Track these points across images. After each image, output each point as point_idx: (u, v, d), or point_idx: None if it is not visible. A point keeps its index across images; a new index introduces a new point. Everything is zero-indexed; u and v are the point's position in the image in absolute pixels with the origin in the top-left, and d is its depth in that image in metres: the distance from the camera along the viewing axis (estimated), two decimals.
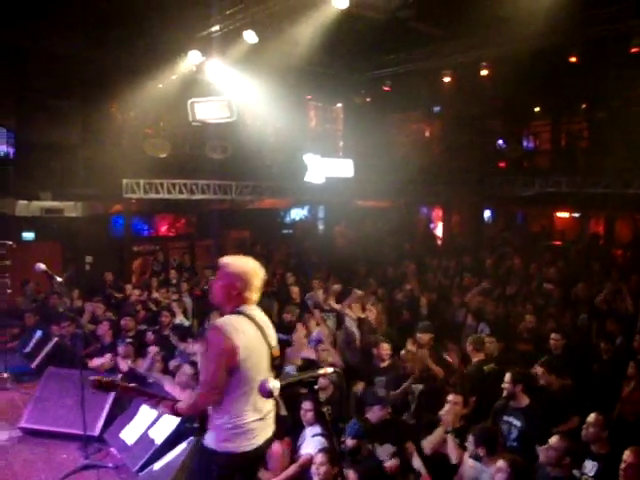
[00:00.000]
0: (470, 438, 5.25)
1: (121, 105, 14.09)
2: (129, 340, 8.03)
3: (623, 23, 10.94)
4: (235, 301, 3.85)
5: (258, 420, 3.80)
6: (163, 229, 17.14)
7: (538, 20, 10.35)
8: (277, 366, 3.97)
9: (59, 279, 5.50)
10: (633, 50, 11.17)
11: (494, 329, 9.14)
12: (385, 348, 7.49)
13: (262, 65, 12.80)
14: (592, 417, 5.27)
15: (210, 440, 3.76)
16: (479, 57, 13.03)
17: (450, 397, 5.87)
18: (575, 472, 5.23)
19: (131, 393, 4.22)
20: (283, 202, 18.35)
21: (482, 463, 5.15)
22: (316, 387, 3.05)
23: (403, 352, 7.47)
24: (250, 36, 10.93)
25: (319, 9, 9.76)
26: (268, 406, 3.87)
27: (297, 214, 19.82)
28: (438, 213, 21.63)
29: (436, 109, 19.73)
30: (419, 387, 6.81)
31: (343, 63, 15.34)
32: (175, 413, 3.87)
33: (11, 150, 12.88)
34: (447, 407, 5.80)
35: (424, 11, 10.96)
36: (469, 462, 5.33)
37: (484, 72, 13.28)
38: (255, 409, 3.78)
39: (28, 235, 13.84)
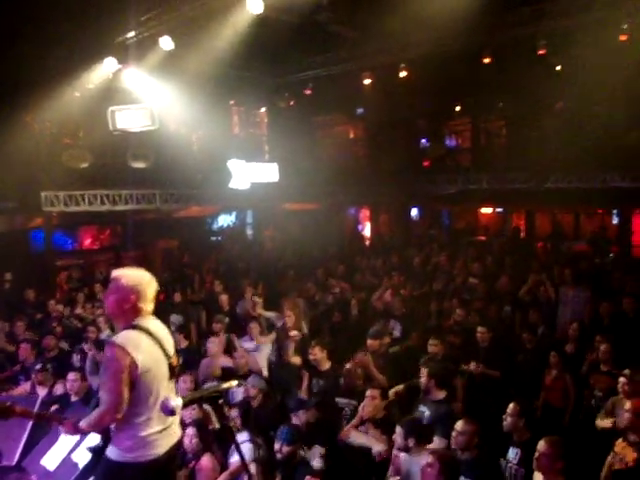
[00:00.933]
0: (398, 430, 5.33)
1: (37, 115, 13.63)
2: (39, 366, 7.66)
3: (531, 25, 11.37)
4: (130, 314, 3.85)
5: (161, 431, 3.77)
6: (87, 242, 16.71)
7: (453, 22, 10.62)
8: (178, 374, 4.06)
9: None
10: (540, 52, 11.65)
11: (404, 324, 9.46)
12: (316, 351, 7.42)
13: (181, 71, 12.63)
14: (510, 407, 5.47)
15: (112, 452, 3.78)
16: (397, 59, 13.22)
17: (368, 392, 6.09)
18: (501, 461, 5.41)
19: (30, 417, 4.15)
20: (210, 209, 18.18)
21: (411, 454, 5.24)
22: (220, 402, 3.03)
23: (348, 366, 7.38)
24: (166, 42, 10.79)
25: (235, 14, 9.71)
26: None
27: (225, 220, 19.67)
28: (365, 213, 21.86)
29: (359, 111, 19.92)
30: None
31: (264, 67, 15.31)
32: (78, 432, 3.87)
33: None
34: (365, 401, 6.03)
35: (340, 14, 11.05)
36: (400, 455, 5.41)
37: (403, 73, 13.47)
38: (158, 420, 3.74)
39: None
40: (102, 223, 16.43)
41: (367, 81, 14.81)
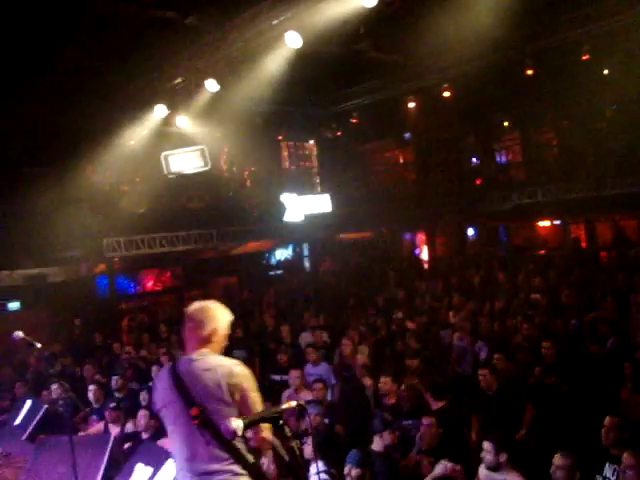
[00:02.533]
0: (488, 446, 5.21)
1: (95, 166, 14.16)
2: (113, 405, 7.85)
3: (572, 31, 11.26)
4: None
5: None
6: (149, 284, 17.10)
7: (491, 36, 10.62)
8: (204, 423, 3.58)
9: (38, 345, 5.44)
10: (584, 57, 11.49)
11: (491, 345, 9.16)
12: (385, 382, 7.22)
13: (228, 111, 12.95)
14: (607, 421, 5.25)
15: None
16: (439, 79, 13.28)
17: (424, 420, 5.88)
18: (597, 477, 5.20)
19: None
20: (267, 244, 18.41)
21: (500, 471, 5.12)
22: (281, 422, 3.04)
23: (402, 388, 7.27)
24: (211, 85, 11.10)
25: (275, 51, 9.93)
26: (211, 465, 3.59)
27: (282, 254, 19.85)
28: (421, 237, 21.72)
29: (407, 135, 19.96)
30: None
31: (308, 100, 15.55)
32: None
33: None
34: (422, 430, 5.84)
35: (379, 40, 11.18)
36: (482, 473, 5.29)
37: (446, 93, 13.50)
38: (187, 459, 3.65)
39: (13, 305, 13.77)
40: (163, 265, 16.80)
41: (412, 105, 14.91)
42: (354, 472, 5.41)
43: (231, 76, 10.75)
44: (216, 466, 3.54)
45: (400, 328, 10.97)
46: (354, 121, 16.06)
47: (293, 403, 3.35)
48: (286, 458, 3.68)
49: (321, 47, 10.99)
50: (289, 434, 3.24)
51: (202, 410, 3.51)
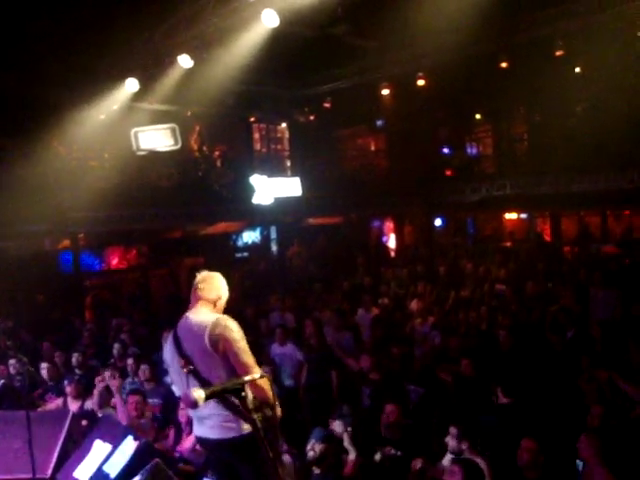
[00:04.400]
0: (453, 431, 5.33)
1: (62, 139, 13.88)
2: (76, 378, 7.81)
3: (547, 27, 11.33)
4: None
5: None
6: (114, 262, 16.87)
7: (468, 28, 10.64)
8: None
9: None
10: (557, 53, 11.58)
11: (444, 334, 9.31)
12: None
13: (200, 90, 12.79)
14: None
15: None
16: (415, 68, 13.26)
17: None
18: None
19: None
20: (234, 226, 18.28)
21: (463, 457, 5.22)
22: (243, 394, 3.03)
23: None
24: (185, 60, 10.94)
25: (251, 29, 9.82)
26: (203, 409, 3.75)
27: (249, 237, 19.73)
28: (390, 225, 21.81)
29: (379, 123, 19.96)
30: None
31: (281, 82, 15.42)
32: None
33: None
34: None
35: (356, 25, 11.11)
36: (446, 458, 5.40)
37: (421, 82, 13.50)
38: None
39: None
40: (128, 243, 16.59)
41: (386, 92, 14.89)
42: (318, 447, 5.44)
43: (205, 53, 10.61)
44: (205, 411, 3.86)
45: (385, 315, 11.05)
46: (327, 105, 15.97)
47: (257, 375, 3.40)
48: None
49: (297, 28, 10.91)
50: (251, 406, 3.25)
51: (188, 361, 3.91)
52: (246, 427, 3.80)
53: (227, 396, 3.68)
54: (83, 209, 13.41)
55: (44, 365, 8.33)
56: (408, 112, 16.94)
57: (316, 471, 5.51)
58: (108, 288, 15.26)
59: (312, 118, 17.92)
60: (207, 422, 3.97)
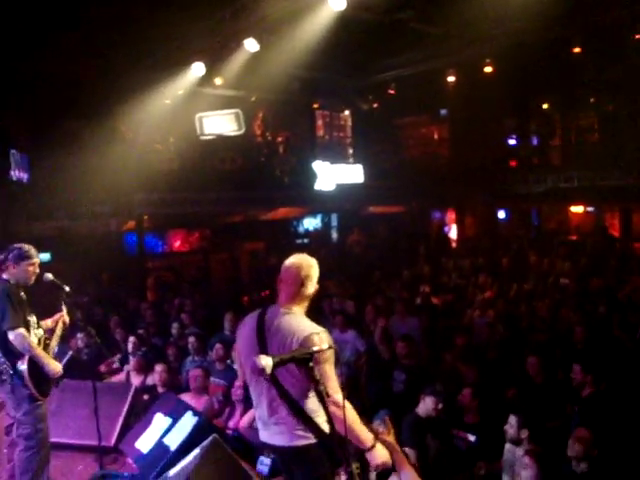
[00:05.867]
0: (512, 420, 5.21)
1: (130, 123, 14.19)
2: (140, 353, 8.04)
3: (626, 9, 10.85)
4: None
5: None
6: (177, 244, 17.18)
7: (540, 11, 10.30)
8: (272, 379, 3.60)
9: (67, 288, 5.50)
10: (638, 36, 11.08)
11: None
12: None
13: (265, 75, 12.85)
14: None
15: None
16: (482, 54, 12.96)
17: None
18: None
19: None
20: (296, 212, 18.37)
21: (521, 446, 5.13)
22: (311, 364, 3.01)
23: None
24: (251, 44, 10.98)
25: (317, 12, 9.79)
26: (274, 414, 3.73)
27: (310, 224, 19.80)
28: (451, 215, 21.54)
29: (443, 112, 19.68)
30: None
31: (346, 68, 15.33)
32: None
33: (25, 175, 12.94)
34: None
35: (423, 10, 10.96)
36: (507, 446, 5.31)
37: (488, 69, 13.20)
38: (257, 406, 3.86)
39: (44, 256, 13.90)
40: (191, 226, 16.87)
41: (451, 79, 14.62)
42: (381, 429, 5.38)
43: (271, 37, 10.63)
44: (273, 419, 3.73)
45: (425, 302, 10.95)
46: (391, 92, 15.81)
47: (325, 345, 3.30)
48: None
49: (363, 13, 10.82)
50: (318, 377, 3.17)
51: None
52: (313, 437, 3.65)
53: (296, 403, 3.61)
54: (148, 191, 13.72)
55: (131, 339, 8.52)
56: (473, 100, 16.63)
57: None
58: (170, 270, 15.51)
59: (375, 106, 17.80)
60: (274, 428, 3.76)
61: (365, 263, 15.88)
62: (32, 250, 5.12)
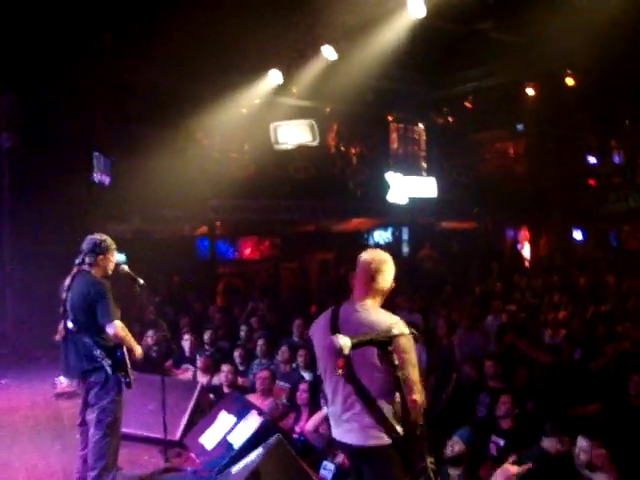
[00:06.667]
0: (584, 444, 4.86)
1: (206, 130, 14.46)
2: (207, 354, 8.13)
3: None
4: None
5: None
6: (247, 251, 17.36)
7: (627, 23, 9.95)
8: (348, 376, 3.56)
9: (141, 281, 5.60)
10: None
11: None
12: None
13: (340, 86, 12.86)
14: None
15: None
16: (563, 65, 12.56)
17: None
18: None
19: None
20: (367, 223, 18.30)
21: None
22: (390, 348, 2.91)
23: None
24: (329, 52, 11.00)
25: (396, 20, 9.72)
26: (348, 411, 3.66)
27: (381, 237, 19.67)
28: (525, 234, 21.01)
29: (520, 127, 19.26)
30: None
31: (421, 79, 15.19)
32: None
33: (107, 178, 13.33)
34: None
35: (503, 20, 10.73)
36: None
37: (570, 81, 12.79)
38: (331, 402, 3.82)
39: (120, 257, 14.27)
40: (262, 234, 17.03)
41: (530, 92, 14.24)
42: (457, 447, 5.17)
43: (349, 45, 10.61)
44: (347, 416, 3.65)
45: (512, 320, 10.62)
46: (468, 105, 15.56)
47: (406, 330, 3.17)
48: None
49: (441, 22, 10.69)
50: (396, 362, 3.03)
51: (348, 363, 3.37)
52: (386, 437, 3.53)
53: (373, 400, 3.52)
54: (222, 197, 13.92)
55: (187, 337, 8.68)
56: (552, 115, 16.19)
57: (453, 472, 5.24)
58: (240, 276, 15.70)
59: (450, 120, 17.59)
60: (345, 425, 3.68)
61: (435, 278, 15.65)
62: (113, 242, 5.29)
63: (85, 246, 5.16)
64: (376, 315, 3.62)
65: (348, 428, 3.67)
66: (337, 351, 2.71)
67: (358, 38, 10.50)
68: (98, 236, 5.19)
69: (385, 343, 2.90)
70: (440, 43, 11.96)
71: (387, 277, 3.78)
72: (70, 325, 5.08)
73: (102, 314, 4.94)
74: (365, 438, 3.60)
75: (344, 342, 2.69)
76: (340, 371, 3.28)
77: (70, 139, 11.25)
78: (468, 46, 12.17)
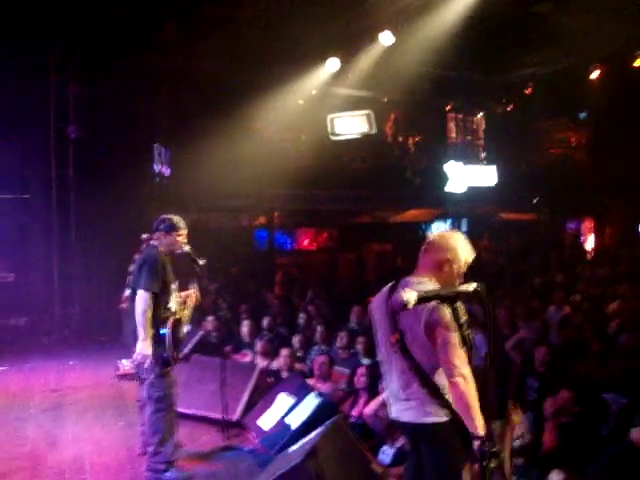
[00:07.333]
0: None
1: (264, 120, 14.54)
2: (267, 338, 8.22)
3: None
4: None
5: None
6: (305, 242, 17.43)
7: None
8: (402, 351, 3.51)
9: (201, 262, 5.67)
10: None
11: None
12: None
13: (396, 74, 12.75)
14: None
15: None
16: (629, 46, 12.09)
17: None
18: None
19: None
20: (425, 214, 18.10)
21: None
22: (456, 305, 2.85)
23: None
24: (386, 37, 10.89)
25: (452, 5, 9.57)
26: (405, 389, 3.60)
27: (439, 228, 19.43)
28: (588, 225, 20.44)
29: (582, 115, 18.70)
30: None
31: (479, 67, 14.91)
32: None
33: (167, 170, 13.55)
34: None
35: (563, 2, 10.42)
36: None
37: (638, 63, 12.27)
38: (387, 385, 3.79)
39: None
40: (319, 226, 17.06)
41: (594, 75, 13.72)
42: (527, 437, 5.07)
43: (406, 30, 10.50)
44: (404, 394, 3.59)
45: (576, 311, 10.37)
46: (527, 92, 15.19)
47: (471, 287, 2.97)
48: None
49: (500, 8, 10.47)
50: (463, 320, 2.97)
51: (400, 338, 3.44)
52: (442, 414, 3.46)
53: (428, 377, 3.45)
54: (279, 187, 13.96)
55: (246, 322, 8.79)
56: (618, 102, 15.64)
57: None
58: (297, 267, 15.76)
59: (509, 109, 17.25)
60: (404, 403, 3.62)
61: (494, 269, 15.39)
62: (182, 222, 5.49)
63: (154, 224, 5.39)
64: (432, 287, 3.51)
65: (407, 406, 3.61)
66: (402, 306, 2.65)
67: (415, 24, 10.38)
68: (165, 215, 5.43)
69: (453, 299, 2.85)
70: (498, 28, 11.74)
71: (450, 259, 3.61)
72: (127, 292, 5.26)
73: (138, 278, 5.04)
74: (422, 415, 3.54)
75: (410, 295, 2.62)
76: (395, 348, 3.41)
77: (132, 130, 11.51)
78: (527, 30, 11.89)
